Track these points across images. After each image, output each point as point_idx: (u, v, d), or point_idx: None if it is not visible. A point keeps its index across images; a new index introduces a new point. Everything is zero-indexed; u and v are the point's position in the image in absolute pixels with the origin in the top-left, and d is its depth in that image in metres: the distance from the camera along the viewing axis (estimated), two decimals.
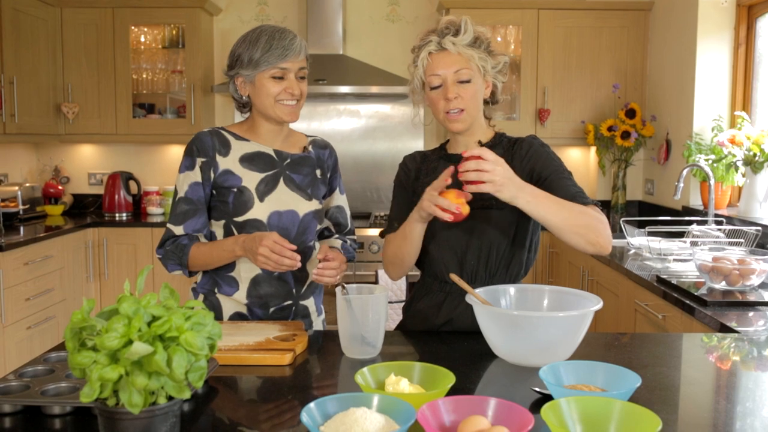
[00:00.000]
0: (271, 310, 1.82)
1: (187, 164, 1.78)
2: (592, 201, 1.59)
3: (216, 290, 1.83)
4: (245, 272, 1.80)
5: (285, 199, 1.80)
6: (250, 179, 1.78)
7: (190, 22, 4.26)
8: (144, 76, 4.46)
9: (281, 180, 1.81)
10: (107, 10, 4.24)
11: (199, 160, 1.76)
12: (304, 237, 1.82)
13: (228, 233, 1.79)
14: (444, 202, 1.46)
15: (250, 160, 1.80)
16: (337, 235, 1.99)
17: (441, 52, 1.63)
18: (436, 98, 1.65)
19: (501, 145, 1.71)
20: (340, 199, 1.97)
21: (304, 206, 1.82)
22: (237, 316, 1.82)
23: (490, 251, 1.65)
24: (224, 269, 1.81)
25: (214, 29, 4.56)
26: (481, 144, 1.72)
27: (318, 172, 1.88)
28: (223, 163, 1.78)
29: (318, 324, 1.93)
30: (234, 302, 1.82)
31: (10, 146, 4.33)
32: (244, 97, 1.80)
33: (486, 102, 1.74)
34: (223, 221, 1.79)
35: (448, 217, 1.46)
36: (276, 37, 1.72)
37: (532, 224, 1.67)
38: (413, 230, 1.62)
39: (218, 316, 1.82)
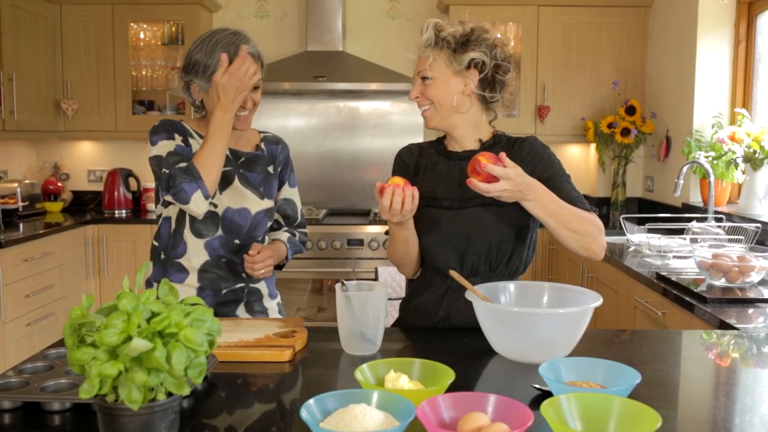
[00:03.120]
0: (223, 291, 1.85)
1: (164, 137, 1.76)
2: (591, 207, 1.62)
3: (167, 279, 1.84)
4: (194, 261, 1.82)
5: (239, 197, 1.84)
6: None
7: (189, 19, 4.25)
8: (143, 72, 4.45)
9: (236, 178, 1.85)
10: (106, 6, 4.23)
11: (177, 137, 1.78)
12: (255, 233, 1.88)
13: (181, 218, 1.81)
14: (387, 199, 1.51)
15: None
16: (285, 228, 2.01)
17: (417, 58, 1.70)
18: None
19: (500, 144, 1.71)
20: (289, 192, 2.00)
21: (256, 205, 1.87)
22: None
23: (490, 247, 1.65)
24: (173, 256, 1.83)
25: (213, 26, 4.55)
26: (481, 142, 1.72)
27: (270, 168, 1.93)
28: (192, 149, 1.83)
29: (273, 307, 1.96)
30: (186, 287, 1.84)
31: (10, 143, 4.32)
32: (197, 102, 1.83)
33: (487, 103, 1.72)
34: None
35: (411, 191, 1.52)
36: (232, 48, 1.72)
37: (532, 220, 1.67)
38: (396, 234, 1.68)
39: None
